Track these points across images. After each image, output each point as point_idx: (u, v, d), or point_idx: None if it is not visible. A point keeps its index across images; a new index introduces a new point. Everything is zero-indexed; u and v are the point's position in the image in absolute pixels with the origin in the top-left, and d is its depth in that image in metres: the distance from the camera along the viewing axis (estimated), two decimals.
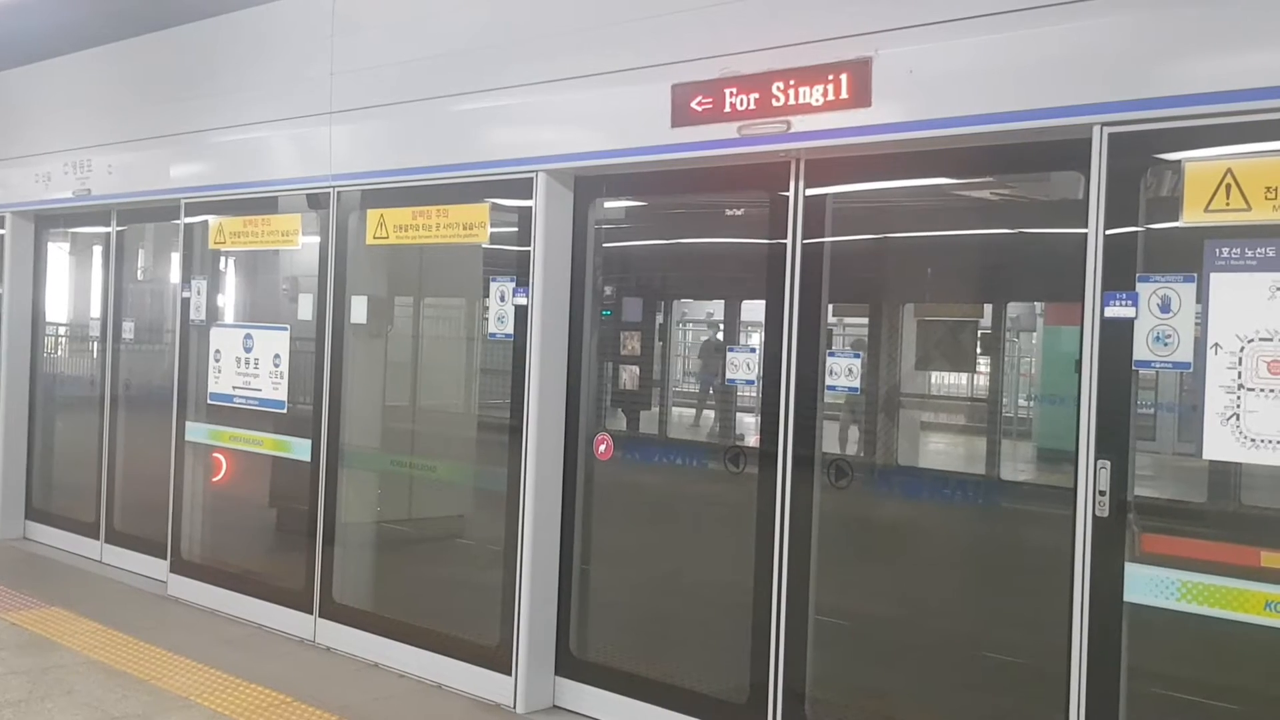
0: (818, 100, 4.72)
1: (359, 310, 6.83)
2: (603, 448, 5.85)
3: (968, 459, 6.83)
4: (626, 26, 5.46)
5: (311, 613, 6.85)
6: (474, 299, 6.95)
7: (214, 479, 7.84)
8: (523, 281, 5.84)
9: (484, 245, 6.15)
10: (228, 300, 8.08)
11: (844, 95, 4.64)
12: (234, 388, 7.50)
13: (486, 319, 6.08)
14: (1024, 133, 4.28)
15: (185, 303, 7.96)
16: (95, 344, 9.49)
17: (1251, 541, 3.89)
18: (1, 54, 9.17)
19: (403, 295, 7.58)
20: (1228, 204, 3.79)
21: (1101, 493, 4.02)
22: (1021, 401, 7.01)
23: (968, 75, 4.37)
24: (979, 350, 6.03)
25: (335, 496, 6.85)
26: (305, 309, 7.16)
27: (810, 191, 4.97)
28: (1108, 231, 4.05)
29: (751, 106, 4.92)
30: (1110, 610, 4.01)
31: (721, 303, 7.29)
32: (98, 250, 9.52)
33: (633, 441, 6.23)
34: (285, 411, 7.18)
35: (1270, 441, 3.70)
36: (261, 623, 7.14)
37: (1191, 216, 3.87)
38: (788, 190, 5.03)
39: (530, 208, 5.81)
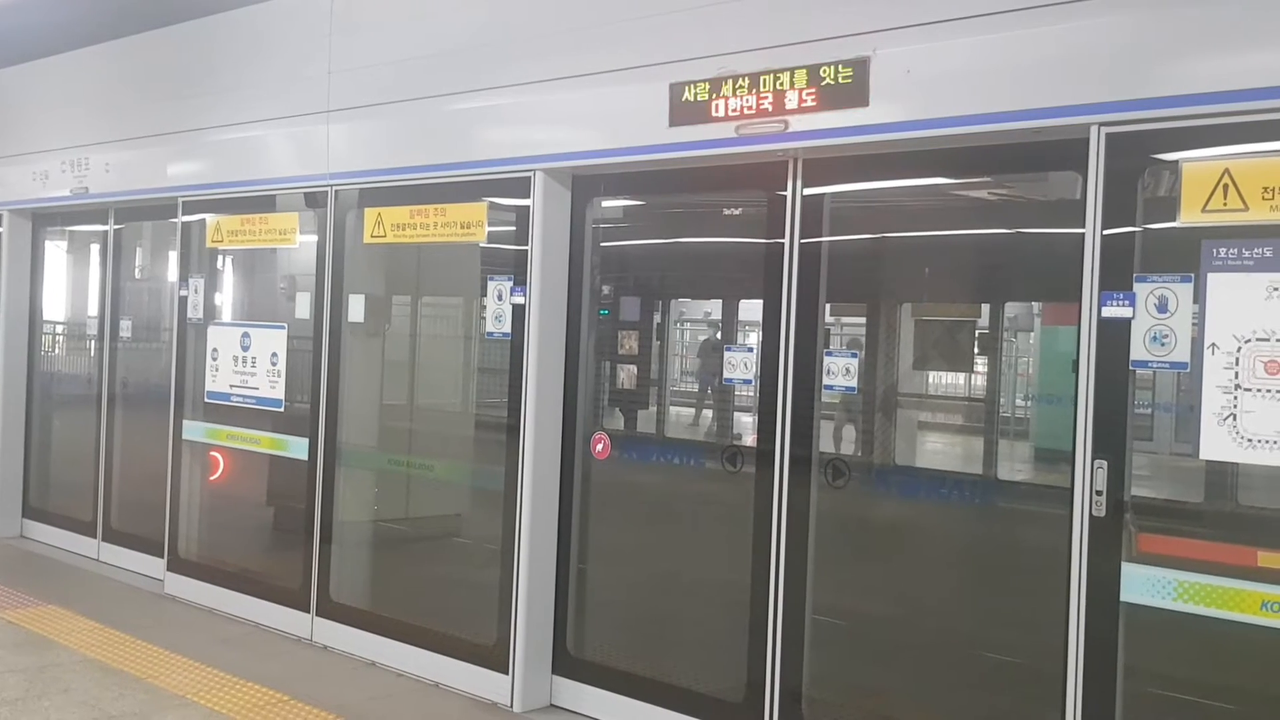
0: (815, 100, 4.72)
1: (356, 309, 6.83)
2: (600, 447, 5.85)
3: (965, 459, 6.84)
4: (624, 26, 5.46)
5: (309, 611, 6.85)
6: (471, 298, 6.95)
7: (211, 478, 7.84)
8: (520, 280, 5.84)
9: (481, 244, 6.14)
10: (225, 299, 8.08)
11: (841, 95, 4.64)
12: (231, 386, 7.50)
13: (484, 318, 6.08)
14: (1021, 133, 4.28)
15: (183, 301, 7.96)
16: (92, 342, 9.48)
17: (1248, 541, 3.90)
18: None
19: (400, 294, 7.58)
20: (1225, 204, 3.79)
21: (1098, 492, 4.02)
22: (1019, 401, 7.02)
23: (965, 75, 4.37)
24: (976, 350, 6.03)
25: (332, 495, 6.84)
26: (303, 308, 7.16)
27: (808, 191, 4.98)
28: (1105, 232, 4.05)
29: (749, 106, 4.92)
30: (1107, 610, 4.01)
31: (719, 302, 7.29)
32: (95, 248, 9.51)
33: (630, 441, 6.23)
34: (282, 410, 7.17)
35: (1267, 441, 3.71)
36: (259, 621, 7.13)
37: (1189, 217, 3.88)
38: (785, 190, 5.03)
39: (528, 207, 5.81)
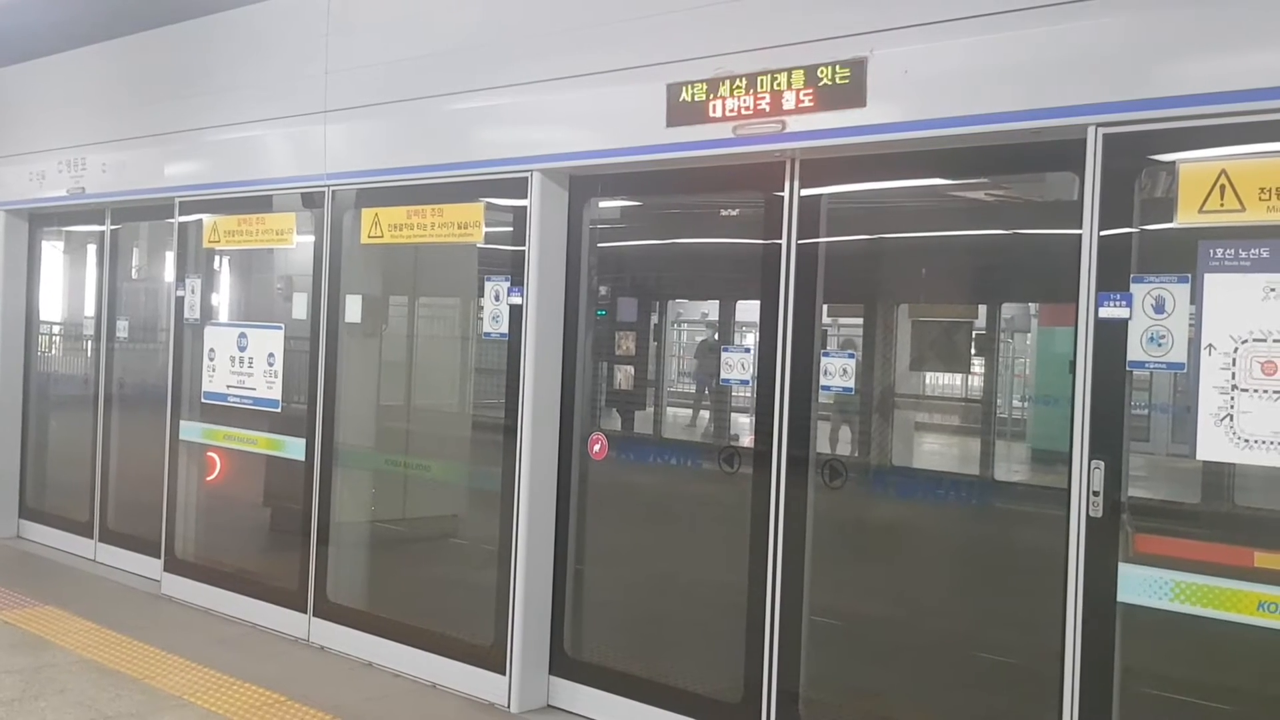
0: (813, 100, 4.72)
1: (353, 309, 6.83)
2: (597, 447, 5.85)
3: (962, 459, 6.84)
4: (621, 26, 5.46)
5: (306, 612, 6.85)
6: (469, 298, 6.95)
7: (208, 478, 7.83)
8: (518, 281, 5.84)
9: (479, 245, 6.14)
10: (222, 299, 8.07)
11: (839, 95, 4.64)
12: (228, 387, 7.49)
13: (481, 318, 6.07)
14: (1019, 133, 4.28)
15: (179, 301, 7.95)
16: (89, 343, 9.47)
17: (1245, 542, 3.90)
18: None
19: (397, 294, 7.58)
20: (1222, 205, 3.80)
21: (1095, 493, 4.02)
22: (1016, 402, 7.02)
23: (963, 75, 4.37)
24: (973, 351, 6.04)
25: (329, 496, 6.84)
26: (300, 308, 7.15)
27: (805, 192, 4.98)
28: (1102, 232, 4.05)
29: (747, 106, 4.92)
30: (1104, 610, 4.02)
31: (716, 303, 7.29)
32: (92, 249, 9.50)
33: (627, 441, 6.23)
34: (279, 410, 7.17)
35: (1264, 442, 3.71)
36: (255, 622, 7.13)
37: (1186, 217, 3.88)
38: (783, 190, 5.03)
39: (525, 207, 5.81)
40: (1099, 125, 4.04)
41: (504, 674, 5.79)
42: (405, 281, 7.58)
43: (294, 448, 7.05)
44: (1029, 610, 4.72)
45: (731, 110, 4.97)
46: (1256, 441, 3.72)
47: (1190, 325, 3.88)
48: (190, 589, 7.65)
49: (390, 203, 6.49)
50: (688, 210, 6.23)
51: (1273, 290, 3.71)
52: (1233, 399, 3.76)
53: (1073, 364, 4.12)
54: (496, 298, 5.96)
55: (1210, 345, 3.81)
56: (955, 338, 6.02)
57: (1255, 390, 3.73)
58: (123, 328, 9.05)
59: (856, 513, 5.42)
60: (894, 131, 4.55)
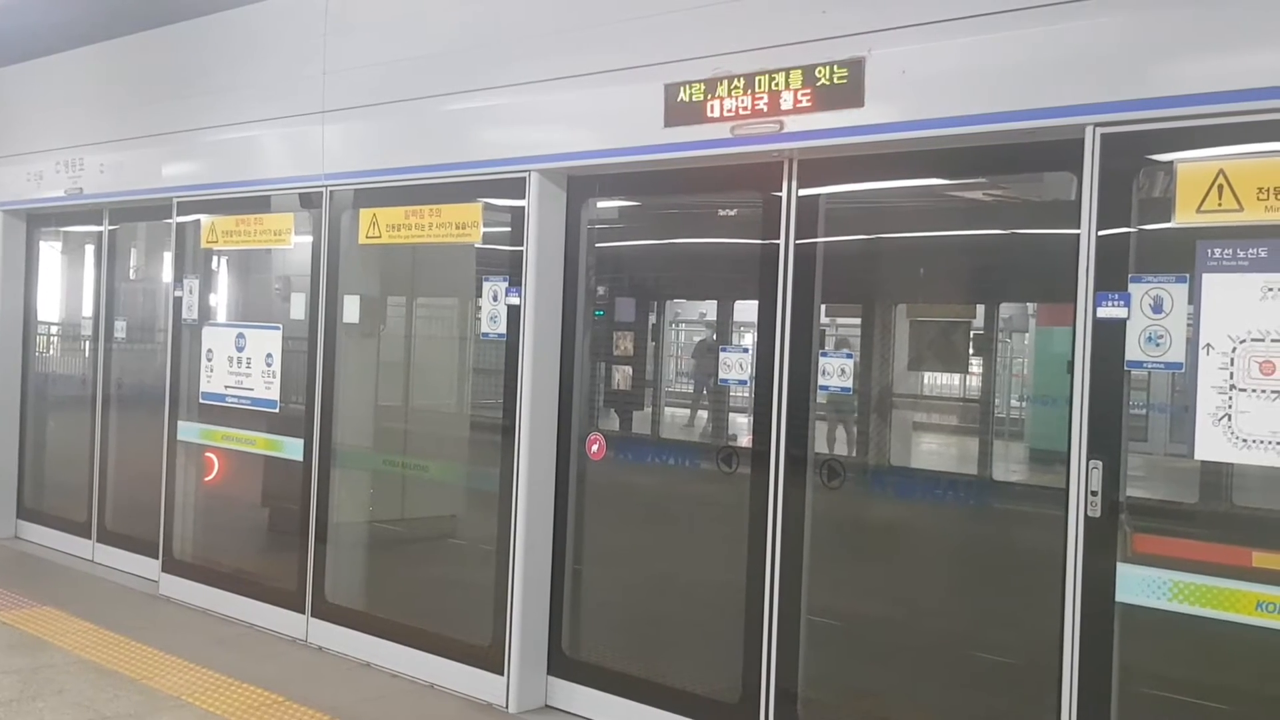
0: (810, 100, 4.72)
1: (351, 309, 6.82)
2: (595, 448, 5.85)
3: (960, 459, 6.84)
4: (619, 26, 5.46)
5: (304, 612, 6.85)
6: (467, 299, 6.95)
7: (206, 478, 7.83)
8: (515, 281, 5.84)
9: (477, 245, 6.14)
10: (220, 299, 8.06)
11: (837, 95, 4.64)
12: (226, 387, 7.49)
13: (479, 318, 6.07)
14: (1017, 133, 4.28)
15: (177, 302, 7.95)
16: (87, 343, 9.47)
17: (1243, 542, 3.90)
18: None
19: (395, 295, 7.57)
20: (1220, 205, 3.80)
21: (1094, 493, 4.02)
22: (1014, 402, 7.02)
23: (960, 75, 4.37)
24: (971, 351, 6.04)
25: (327, 496, 6.84)
26: (298, 308, 7.15)
27: (803, 192, 4.98)
28: (1100, 232, 4.05)
29: (744, 106, 4.92)
30: (1102, 610, 4.02)
31: (714, 303, 7.29)
32: (90, 249, 9.49)
33: (625, 441, 6.23)
34: (277, 411, 7.16)
35: (1262, 442, 3.71)
36: (253, 622, 7.12)
37: (1184, 217, 3.88)
38: (781, 190, 5.03)
39: (523, 207, 5.81)
40: (1097, 125, 4.04)
41: (502, 674, 5.79)
42: (403, 282, 7.58)
43: (292, 448, 7.04)
44: (1027, 610, 4.72)
45: (729, 110, 4.97)
46: (1255, 441, 3.72)
47: (1188, 325, 3.88)
48: (188, 589, 7.65)
49: (388, 203, 6.49)
50: (686, 210, 6.23)
51: (1271, 290, 3.71)
52: (1231, 399, 3.76)
53: (1071, 364, 4.12)
54: (494, 298, 5.96)
55: (1208, 345, 3.81)
56: (953, 338, 6.01)
57: (1253, 390, 3.73)
58: (120, 328, 9.04)
59: (855, 513, 5.42)
60: (892, 131, 4.55)
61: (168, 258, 8.22)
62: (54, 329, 10.39)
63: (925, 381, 7.39)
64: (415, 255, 7.20)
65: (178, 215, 7.95)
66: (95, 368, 9.12)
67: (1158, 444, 5.30)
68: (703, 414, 7.54)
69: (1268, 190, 3.70)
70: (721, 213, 6.15)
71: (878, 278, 5.94)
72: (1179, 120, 3.88)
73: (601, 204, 5.95)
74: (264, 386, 7.22)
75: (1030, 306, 6.72)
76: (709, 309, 8.32)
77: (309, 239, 7.00)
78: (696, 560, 5.83)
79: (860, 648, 5.41)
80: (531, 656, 5.80)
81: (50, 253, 10.13)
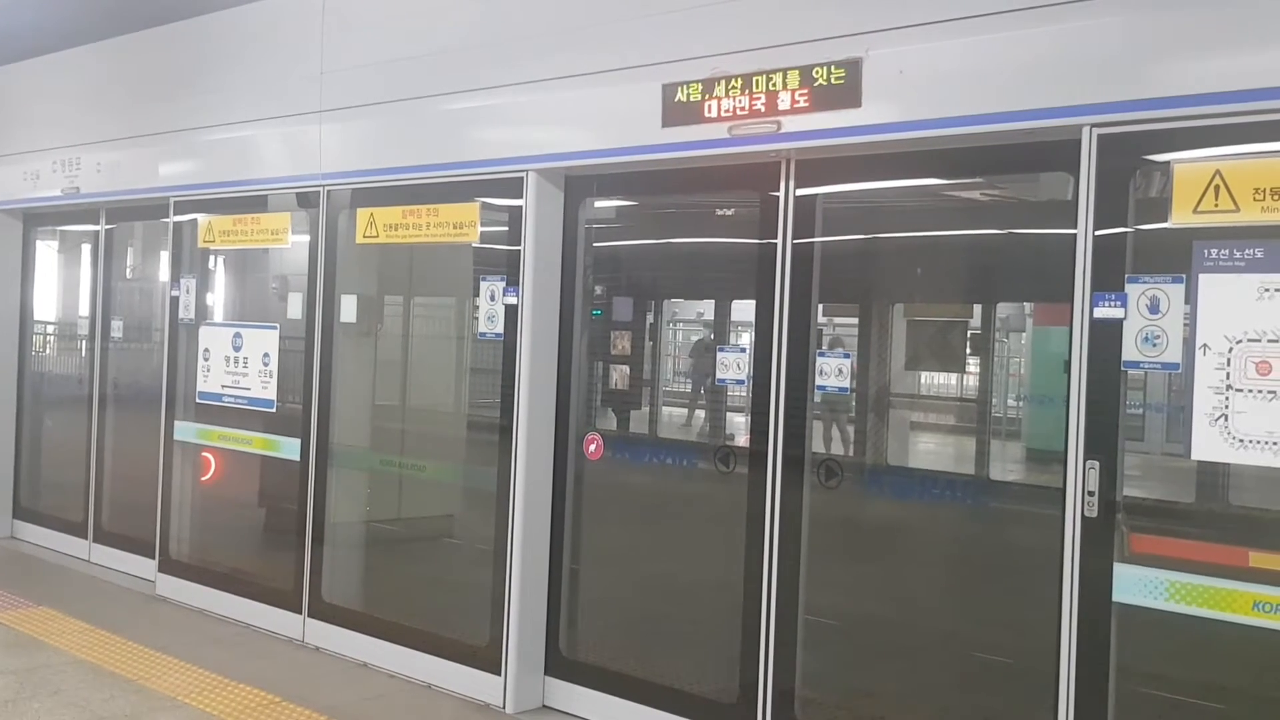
0: (808, 101, 4.72)
1: (349, 309, 6.82)
2: (593, 447, 5.85)
3: (957, 459, 6.85)
4: (617, 26, 5.46)
5: (300, 612, 6.84)
6: (464, 298, 6.95)
7: (203, 478, 7.82)
8: (513, 281, 5.84)
9: (474, 244, 6.14)
10: (217, 299, 8.06)
11: (834, 96, 4.64)
12: (223, 387, 7.49)
13: (476, 318, 6.07)
14: (1014, 133, 4.28)
15: (174, 301, 7.94)
16: (84, 343, 9.46)
17: (1239, 542, 3.91)
18: None
19: (393, 294, 7.57)
20: (1216, 205, 3.80)
21: (1090, 493, 4.03)
22: (1011, 402, 7.03)
23: (958, 76, 4.38)
24: (968, 351, 6.04)
25: (324, 496, 6.83)
26: (295, 308, 7.15)
27: (800, 192, 4.98)
28: (1097, 232, 4.05)
29: (742, 107, 4.92)
30: (1099, 610, 4.02)
31: (712, 303, 7.29)
32: (86, 248, 9.49)
33: (623, 441, 6.23)
34: (274, 411, 7.16)
35: (1258, 442, 3.71)
36: (250, 622, 7.12)
37: (1180, 217, 3.88)
38: (778, 190, 5.03)
39: (521, 207, 5.81)
40: (1094, 125, 4.04)
41: (499, 674, 5.79)
42: (400, 281, 7.57)
43: (289, 448, 7.04)
44: (1025, 610, 4.72)
45: (727, 110, 4.97)
46: (1251, 441, 3.73)
47: (1185, 325, 3.89)
48: (185, 589, 7.64)
49: (385, 202, 6.49)
50: (683, 210, 6.23)
51: (1267, 290, 3.71)
52: (1227, 399, 3.77)
53: (1067, 364, 4.13)
54: (492, 298, 5.96)
55: (1205, 345, 3.82)
56: (950, 337, 6.02)
57: (1250, 390, 3.73)
58: (117, 328, 9.04)
59: (852, 512, 5.42)
60: (889, 132, 4.55)
61: (164, 257, 8.21)
62: (50, 328, 10.39)
63: (923, 381, 7.39)
64: (413, 255, 7.20)
65: (174, 215, 7.94)
66: (92, 367, 9.11)
67: (1154, 444, 5.32)
68: (700, 414, 7.54)
69: (1264, 191, 3.71)
70: (719, 212, 6.16)
71: (875, 277, 5.94)
72: (1176, 121, 3.88)
73: (599, 204, 5.95)
74: (261, 386, 7.22)
75: (1027, 306, 6.73)
76: (706, 309, 8.32)
77: (306, 238, 6.99)
78: (694, 560, 5.83)
79: (858, 647, 5.41)
80: (529, 657, 5.80)
81: (47, 252, 10.12)
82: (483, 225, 6.05)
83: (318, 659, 6.57)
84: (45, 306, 10.17)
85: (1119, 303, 4.00)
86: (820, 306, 5.04)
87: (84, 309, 9.54)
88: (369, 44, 6.59)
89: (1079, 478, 4.06)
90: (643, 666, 5.56)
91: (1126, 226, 4.03)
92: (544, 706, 5.83)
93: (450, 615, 6.28)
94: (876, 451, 5.88)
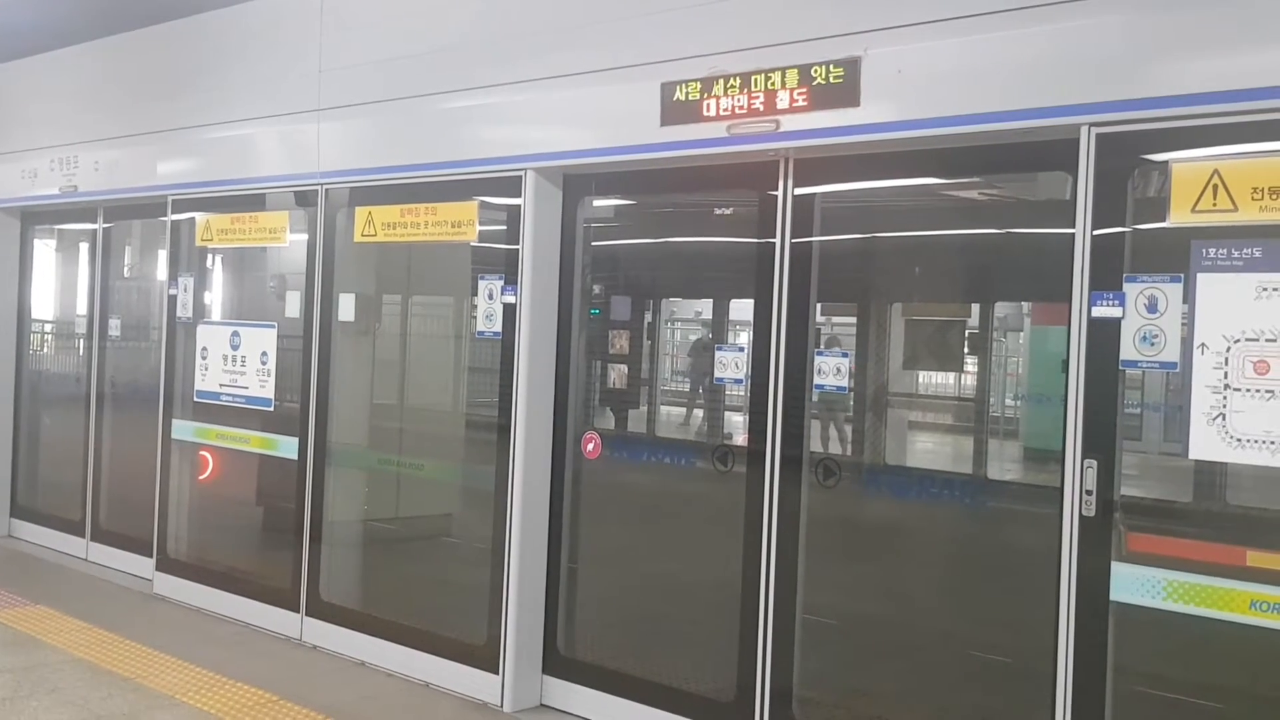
0: (806, 100, 4.72)
1: (347, 308, 6.82)
2: (591, 446, 5.85)
3: (955, 458, 6.85)
4: (616, 25, 5.46)
5: (298, 611, 6.84)
6: (462, 297, 6.94)
7: (200, 477, 7.82)
8: (511, 280, 5.84)
9: (472, 243, 6.14)
10: (215, 298, 8.05)
11: (833, 95, 4.65)
12: (221, 385, 7.48)
13: (475, 317, 6.07)
14: (1012, 133, 4.29)
15: (172, 300, 7.94)
16: (81, 341, 9.45)
17: (1237, 541, 3.91)
18: None
19: (391, 293, 7.57)
20: (1215, 204, 3.80)
21: (1088, 492, 4.03)
22: (1009, 401, 7.03)
23: (956, 75, 4.38)
24: (966, 350, 6.04)
25: (322, 495, 6.83)
26: (292, 306, 7.15)
27: (799, 191, 4.98)
28: (1095, 232, 4.06)
29: (740, 106, 4.92)
30: (1096, 609, 4.02)
31: (710, 302, 7.29)
32: (84, 247, 9.48)
33: (621, 440, 6.23)
34: (272, 409, 7.16)
35: (1256, 441, 3.72)
36: (248, 621, 7.12)
37: (1178, 217, 3.89)
38: (776, 189, 5.03)
39: (519, 206, 5.81)
40: (1092, 125, 4.04)
41: (497, 673, 5.79)
42: (399, 280, 7.57)
43: (287, 446, 7.04)
44: (1022, 609, 4.72)
45: (725, 109, 4.97)
46: (1249, 441, 3.73)
47: (1183, 325, 3.89)
48: (182, 588, 7.64)
49: (384, 201, 6.48)
50: (682, 209, 6.23)
51: (1265, 290, 3.72)
52: (1225, 398, 3.77)
53: (1065, 363, 4.13)
54: (490, 296, 5.96)
55: (1203, 345, 3.82)
56: (948, 337, 6.02)
57: (1248, 389, 3.74)
58: (115, 326, 9.03)
59: (850, 512, 5.42)
60: (888, 131, 4.55)
61: (162, 256, 8.21)
62: (48, 327, 10.38)
63: (921, 380, 7.39)
64: (411, 254, 7.20)
65: (172, 213, 7.94)
66: (90, 366, 9.11)
67: (1152, 443, 5.31)
68: (698, 413, 7.54)
69: (1262, 190, 3.71)
70: (717, 212, 6.15)
71: (873, 277, 5.94)
72: (1174, 120, 3.88)
73: (597, 202, 5.95)
74: (259, 385, 7.22)
75: (1025, 306, 6.73)
76: (705, 308, 8.32)
77: (304, 237, 6.99)
78: (692, 559, 5.83)
79: (855, 646, 5.41)
80: (526, 655, 5.80)
81: (45, 250, 10.11)
82: (481, 224, 6.05)
83: (315, 658, 6.57)
84: (43, 305, 10.17)
85: (1117, 302, 4.00)
86: (818, 306, 5.04)
87: (82, 307, 9.53)
88: (367, 43, 6.59)
89: (1077, 477, 4.06)
90: (640, 665, 5.56)
91: (1125, 226, 4.03)
92: (542, 705, 5.83)
93: (448, 614, 6.27)
94: (874, 451, 5.88)
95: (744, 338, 5.32)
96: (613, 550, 6.14)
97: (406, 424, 7.62)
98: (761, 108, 4.86)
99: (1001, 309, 6.47)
